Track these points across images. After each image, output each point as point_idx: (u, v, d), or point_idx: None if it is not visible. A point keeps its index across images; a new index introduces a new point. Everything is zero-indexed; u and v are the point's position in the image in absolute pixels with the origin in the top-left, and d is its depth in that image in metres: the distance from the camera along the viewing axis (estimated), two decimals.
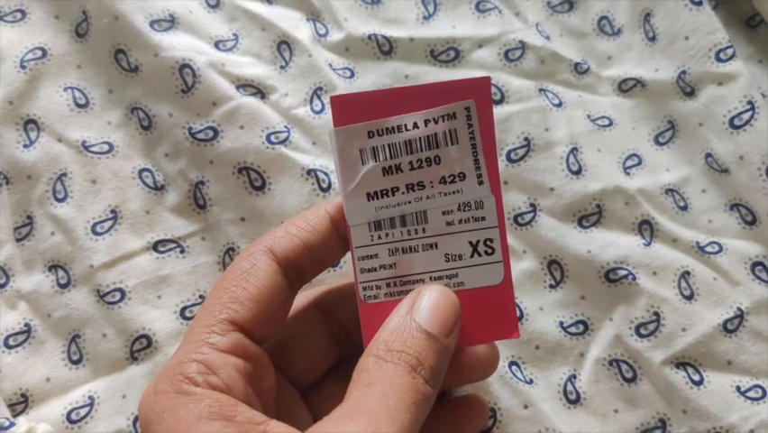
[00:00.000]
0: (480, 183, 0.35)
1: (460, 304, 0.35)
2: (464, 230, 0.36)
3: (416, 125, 0.35)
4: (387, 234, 0.36)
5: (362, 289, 0.36)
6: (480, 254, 0.36)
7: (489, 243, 0.36)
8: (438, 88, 0.35)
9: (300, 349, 0.38)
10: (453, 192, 0.35)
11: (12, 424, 0.39)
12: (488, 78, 0.35)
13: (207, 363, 0.32)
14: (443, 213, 0.36)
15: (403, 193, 0.35)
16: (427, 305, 0.34)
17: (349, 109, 0.35)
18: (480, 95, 0.35)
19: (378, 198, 0.36)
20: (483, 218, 0.36)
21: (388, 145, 0.35)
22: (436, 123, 0.35)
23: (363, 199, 0.35)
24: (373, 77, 0.48)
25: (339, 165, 0.35)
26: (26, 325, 0.44)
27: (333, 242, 0.37)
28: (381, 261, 0.36)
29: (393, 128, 0.35)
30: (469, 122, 0.35)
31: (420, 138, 0.35)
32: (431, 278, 0.36)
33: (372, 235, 0.36)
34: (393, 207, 0.35)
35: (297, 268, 0.36)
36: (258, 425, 0.31)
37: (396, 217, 0.36)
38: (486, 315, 0.36)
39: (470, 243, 0.36)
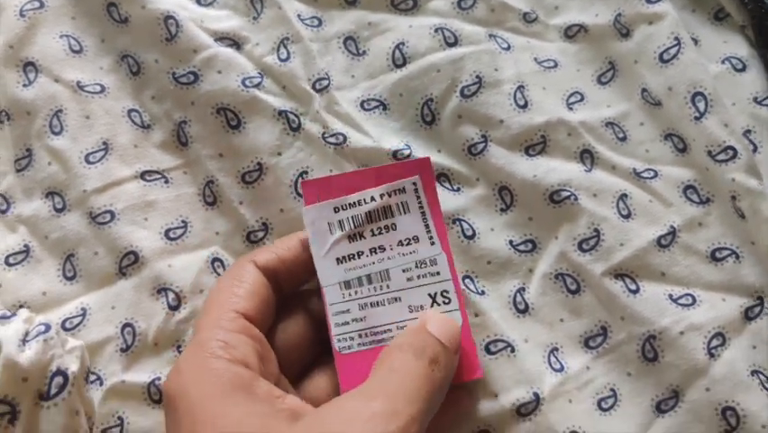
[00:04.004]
0: (432, 243, 0.43)
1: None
2: (423, 284, 0.43)
3: (373, 199, 0.43)
4: (356, 292, 0.43)
5: (337, 341, 0.42)
6: (438, 304, 0.43)
7: (445, 294, 0.43)
8: (389, 169, 0.43)
9: (290, 340, 0.43)
10: (410, 253, 0.43)
11: (14, 315, 0.43)
12: (428, 159, 0.43)
13: (226, 341, 0.37)
14: (403, 270, 0.43)
15: (367, 256, 0.43)
16: (436, 324, 0.40)
17: (317, 190, 0.43)
18: (424, 171, 0.43)
19: (346, 262, 0.43)
20: (438, 273, 0.43)
21: (352, 217, 0.43)
22: (390, 196, 0.43)
23: (334, 263, 0.43)
24: (339, 23, 0.53)
25: (311, 236, 0.43)
26: (25, 246, 0.48)
27: (303, 259, 0.43)
28: (353, 315, 0.42)
29: (354, 203, 0.43)
30: (417, 194, 0.43)
31: (377, 210, 0.43)
32: (397, 327, 0.42)
33: (344, 294, 0.43)
34: (360, 268, 0.43)
35: (275, 277, 0.42)
36: (277, 398, 0.36)
37: (363, 277, 0.43)
38: None
39: (429, 294, 0.43)
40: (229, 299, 0.40)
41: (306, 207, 0.43)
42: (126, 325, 0.46)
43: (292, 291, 0.44)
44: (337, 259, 0.43)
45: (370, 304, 0.42)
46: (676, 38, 0.49)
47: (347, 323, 0.42)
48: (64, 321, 0.46)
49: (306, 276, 0.43)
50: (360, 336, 0.42)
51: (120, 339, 0.46)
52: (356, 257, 0.43)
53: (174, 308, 0.46)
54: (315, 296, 0.44)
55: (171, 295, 0.46)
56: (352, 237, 0.43)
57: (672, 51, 0.49)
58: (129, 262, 0.47)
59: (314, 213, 0.43)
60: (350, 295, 0.43)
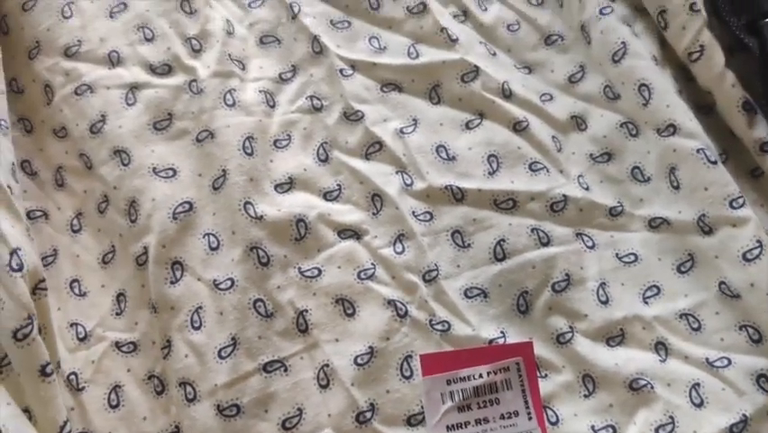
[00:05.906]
0: (530, 418, 0.50)
1: None
2: None
3: (481, 376, 0.50)
4: None
5: None
6: None
7: None
8: (496, 349, 0.51)
9: None
10: (510, 426, 0.50)
11: None
12: (531, 343, 0.51)
13: None
14: None
15: (473, 426, 0.50)
16: None
17: (433, 364, 0.51)
18: (526, 354, 0.51)
19: (455, 430, 0.50)
20: None
21: (462, 390, 0.51)
22: (495, 374, 0.50)
23: (444, 430, 0.50)
24: (448, 219, 0.59)
25: (426, 403, 0.51)
26: (176, 427, 0.53)
27: None
28: None
29: (465, 377, 0.51)
30: (519, 373, 0.51)
31: (484, 385, 0.51)
32: None
33: None
34: None
35: None
36: None
37: None
38: None
39: None
40: None
41: (424, 378, 0.51)
42: None
43: None
44: (447, 426, 0.50)
45: None
46: (758, 240, 0.54)
47: None
48: None
49: None
50: None
51: None
52: (463, 426, 0.50)
53: None
54: None
55: None
56: (460, 408, 0.50)
57: (755, 252, 0.53)
58: None
59: (429, 383, 0.50)
60: None
